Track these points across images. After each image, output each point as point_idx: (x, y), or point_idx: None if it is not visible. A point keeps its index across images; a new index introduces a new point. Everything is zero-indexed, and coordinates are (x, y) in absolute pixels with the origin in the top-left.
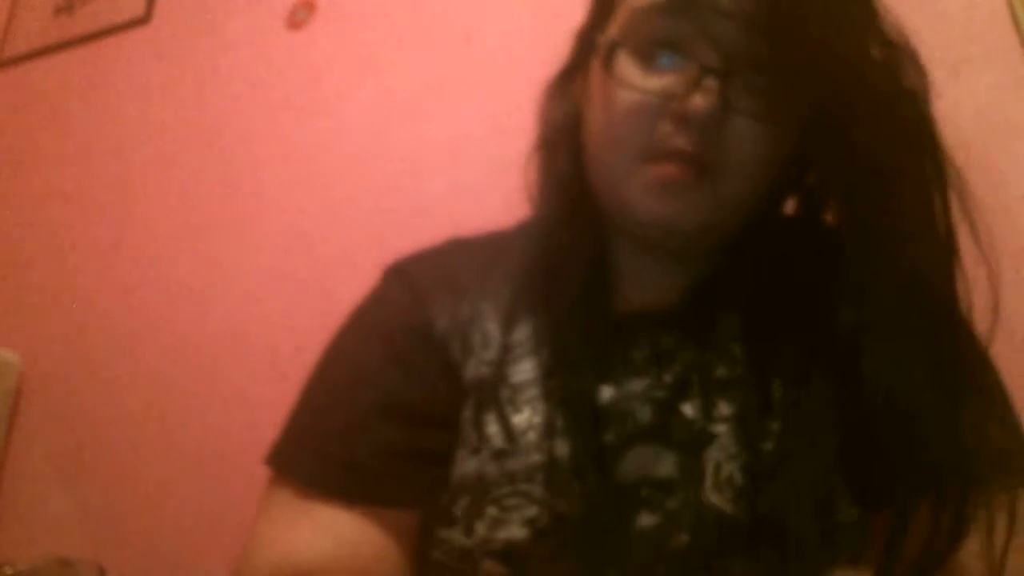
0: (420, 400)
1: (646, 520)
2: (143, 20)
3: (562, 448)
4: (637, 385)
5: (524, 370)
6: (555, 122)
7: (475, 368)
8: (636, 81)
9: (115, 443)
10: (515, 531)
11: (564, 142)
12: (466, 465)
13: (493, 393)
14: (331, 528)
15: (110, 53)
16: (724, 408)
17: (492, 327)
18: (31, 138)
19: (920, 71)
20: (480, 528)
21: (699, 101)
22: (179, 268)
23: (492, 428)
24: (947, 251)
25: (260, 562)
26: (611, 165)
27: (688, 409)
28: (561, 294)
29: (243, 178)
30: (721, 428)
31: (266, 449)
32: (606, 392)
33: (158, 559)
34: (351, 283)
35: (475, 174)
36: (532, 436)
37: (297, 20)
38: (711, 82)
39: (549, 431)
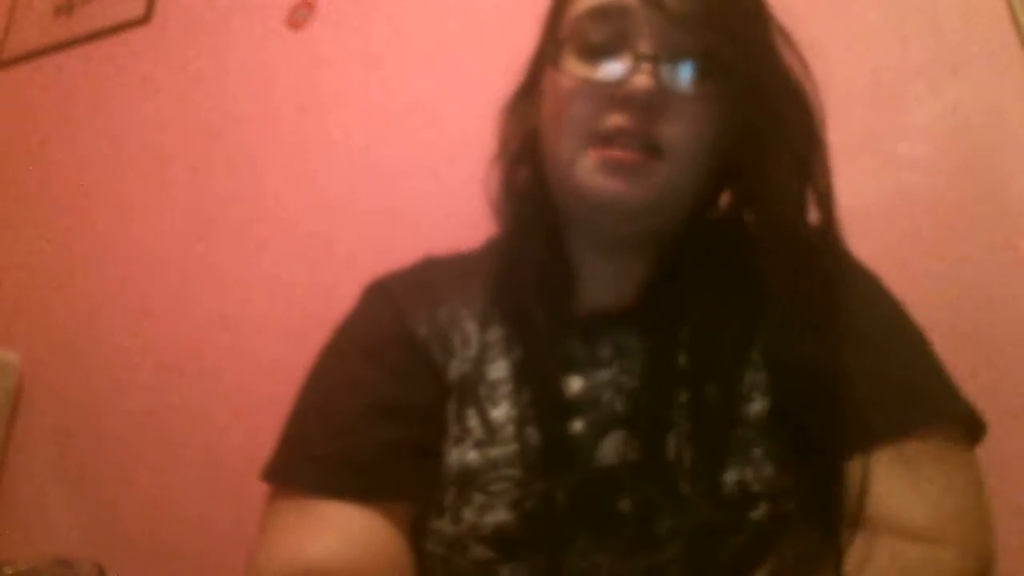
0: (410, 401)
1: (625, 504)
2: (143, 20)
3: (534, 436)
4: (604, 375)
5: (499, 368)
6: (513, 137)
7: (458, 367)
8: (580, 74)
9: (114, 443)
10: (502, 515)
11: (522, 156)
12: (450, 456)
13: (473, 389)
14: (339, 526)
15: (110, 53)
16: (681, 396)
17: (471, 327)
18: (31, 138)
19: (805, 64)
20: (468, 514)
21: (638, 83)
22: (178, 269)
23: (473, 421)
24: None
25: (269, 567)
26: (561, 153)
27: (647, 398)
28: (526, 298)
29: (243, 179)
30: (678, 415)
31: (266, 450)
32: (576, 383)
33: (158, 559)
34: (351, 284)
35: (475, 175)
36: (510, 428)
37: (297, 20)
38: (646, 66)
39: (522, 422)
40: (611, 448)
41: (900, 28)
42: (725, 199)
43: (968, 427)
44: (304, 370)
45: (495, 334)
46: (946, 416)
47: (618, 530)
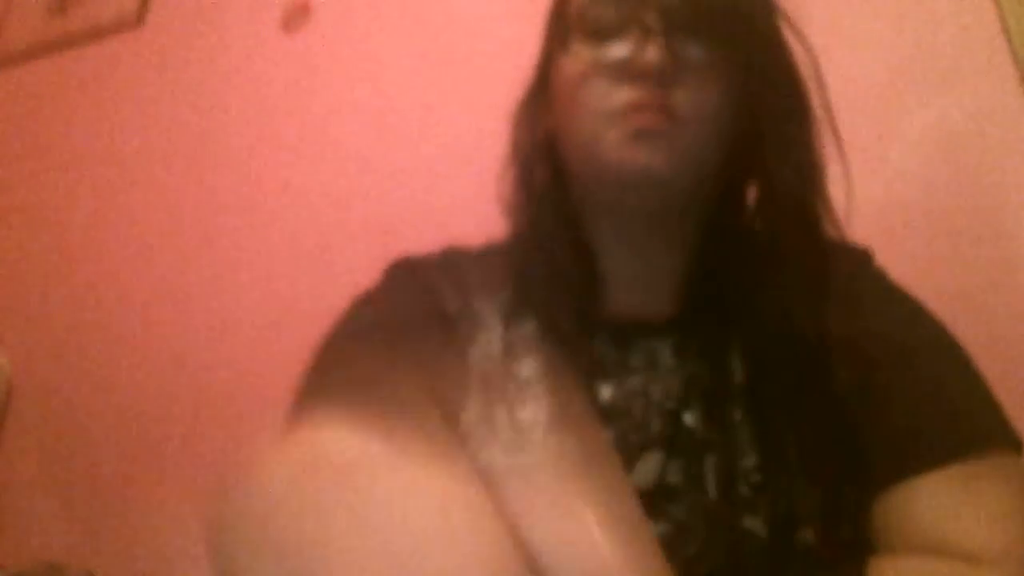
0: (436, 369)
1: (658, 529)
2: (136, 21)
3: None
4: (635, 383)
5: (527, 366)
6: (527, 138)
7: (482, 359)
8: (590, 56)
9: (106, 448)
10: None
11: (539, 156)
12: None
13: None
14: (365, 424)
15: (103, 54)
16: (721, 418)
17: (494, 322)
18: (23, 139)
19: (806, 41)
20: None
21: (650, 55)
22: (170, 272)
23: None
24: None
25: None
26: (582, 136)
27: (688, 418)
28: (553, 299)
29: (237, 182)
30: (718, 438)
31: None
32: (606, 391)
33: (148, 564)
34: (347, 288)
35: (472, 180)
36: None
37: (292, 23)
38: (656, 40)
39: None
40: (647, 469)
41: (891, 38)
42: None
43: (1014, 447)
44: (299, 372)
45: (523, 330)
46: (995, 441)
47: None
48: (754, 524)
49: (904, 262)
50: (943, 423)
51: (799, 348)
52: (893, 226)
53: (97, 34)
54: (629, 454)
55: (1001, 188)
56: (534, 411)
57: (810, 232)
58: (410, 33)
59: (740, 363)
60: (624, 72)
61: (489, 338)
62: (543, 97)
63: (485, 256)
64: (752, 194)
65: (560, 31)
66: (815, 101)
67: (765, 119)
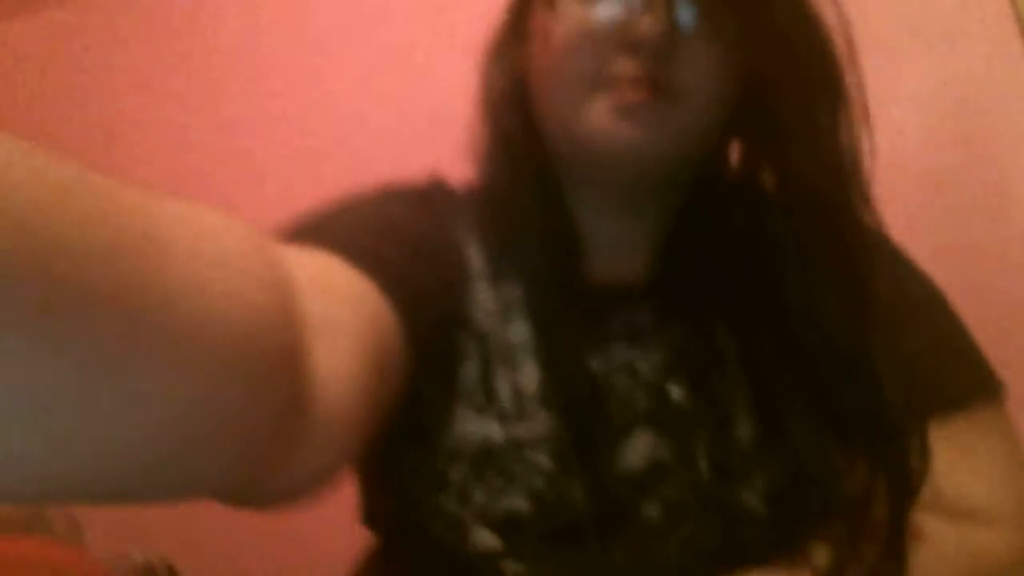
0: (433, 290)
1: (649, 510)
2: None
3: (563, 423)
4: (618, 356)
5: (520, 331)
6: (498, 86)
7: (482, 316)
8: (580, 14)
9: None
10: (518, 501)
11: (510, 104)
12: (470, 425)
13: (502, 352)
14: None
15: (88, 6)
16: (707, 391)
17: (487, 278)
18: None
19: (840, 7)
20: (479, 495)
21: (648, 26)
22: None
23: (503, 389)
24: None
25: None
26: (563, 102)
27: (675, 392)
28: (535, 263)
29: (225, 133)
30: (707, 410)
31: None
32: (593, 363)
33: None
34: None
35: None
36: (535, 403)
37: None
38: (659, 5)
39: (545, 404)
40: (637, 449)
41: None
42: (734, 152)
43: (997, 393)
44: None
45: (511, 291)
46: (991, 389)
47: (642, 537)
48: (751, 499)
49: (902, 217)
50: (930, 379)
51: (807, 323)
52: (892, 180)
53: None
54: (617, 432)
55: (1001, 145)
56: (529, 381)
57: (837, 232)
58: None
59: (727, 329)
60: (617, 40)
61: (485, 294)
62: (517, 38)
63: (467, 206)
64: (736, 150)
65: None
66: (848, 78)
67: (783, 97)
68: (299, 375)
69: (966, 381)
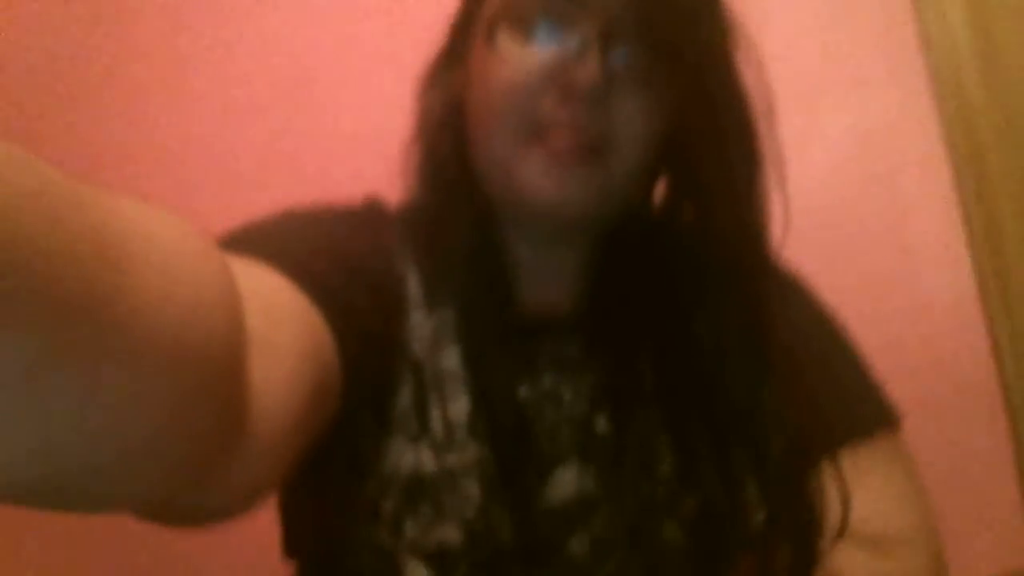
0: (361, 306)
1: (576, 544)
2: None
3: (492, 452)
4: (544, 385)
5: (451, 358)
6: (434, 110)
7: (414, 342)
8: (517, 56)
9: None
10: (449, 532)
11: (445, 130)
12: (403, 454)
13: (436, 380)
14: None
15: None
16: (631, 424)
17: (420, 303)
18: None
19: (760, 69)
20: (410, 527)
21: (583, 73)
22: None
23: (435, 419)
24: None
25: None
26: (497, 145)
27: (600, 424)
28: (466, 290)
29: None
30: (631, 444)
31: None
32: (522, 392)
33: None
34: None
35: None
36: (463, 432)
37: None
38: (593, 53)
39: (475, 432)
40: (566, 480)
41: (811, 40)
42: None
43: (897, 428)
44: None
45: (443, 317)
46: (890, 420)
47: (568, 571)
48: (672, 532)
49: (809, 260)
50: (834, 412)
51: (713, 359)
52: (801, 225)
53: None
54: (545, 462)
55: (908, 193)
56: (460, 409)
57: (748, 265)
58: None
59: (648, 363)
60: (552, 84)
61: (420, 318)
62: (454, 64)
63: (406, 225)
64: (662, 187)
65: (482, 5)
66: (763, 133)
67: (703, 148)
68: (238, 388)
69: (868, 413)
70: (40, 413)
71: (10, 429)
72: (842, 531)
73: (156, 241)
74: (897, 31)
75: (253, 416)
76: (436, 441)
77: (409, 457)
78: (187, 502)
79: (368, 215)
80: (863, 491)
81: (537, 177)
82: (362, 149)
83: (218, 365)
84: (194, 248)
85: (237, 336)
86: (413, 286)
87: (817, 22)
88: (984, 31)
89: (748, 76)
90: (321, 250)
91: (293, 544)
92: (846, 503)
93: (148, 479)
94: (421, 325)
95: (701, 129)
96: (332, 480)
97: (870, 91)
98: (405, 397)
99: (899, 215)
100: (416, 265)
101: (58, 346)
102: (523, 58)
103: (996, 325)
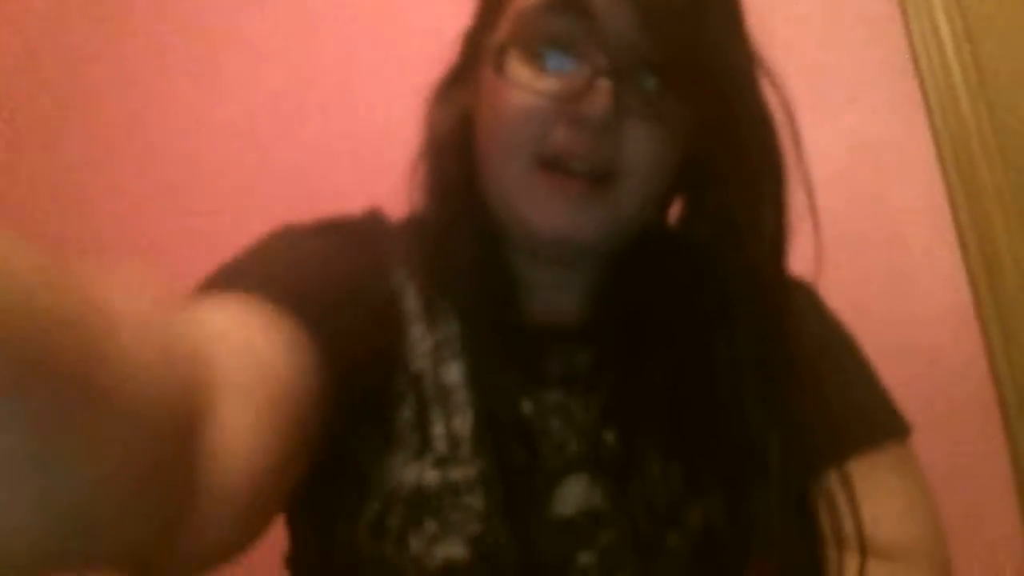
0: (362, 326)
1: (585, 558)
2: None
3: (497, 466)
4: (552, 398)
5: (454, 372)
6: (443, 128)
7: (415, 356)
8: (527, 84)
9: None
10: (455, 549)
11: (452, 148)
12: (407, 470)
13: (439, 394)
14: (247, 314)
15: None
16: (640, 436)
17: (422, 317)
18: None
19: (784, 95)
20: (415, 543)
21: (593, 104)
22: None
23: (438, 433)
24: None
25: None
26: (504, 173)
27: (609, 437)
28: (470, 302)
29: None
30: (640, 457)
31: None
32: (526, 406)
33: None
34: None
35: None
36: (468, 446)
37: None
38: (604, 84)
39: (479, 447)
40: (573, 493)
41: (803, 57)
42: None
43: (904, 434)
44: None
45: (445, 331)
46: (901, 429)
47: None
48: (677, 543)
49: (802, 274)
50: (847, 421)
51: (729, 375)
52: (794, 240)
53: None
54: (551, 476)
55: (900, 207)
56: (464, 423)
57: (769, 281)
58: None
59: (659, 375)
60: (562, 113)
61: (420, 332)
62: (462, 84)
63: (407, 238)
64: (679, 207)
65: (494, 28)
66: (789, 163)
67: (731, 168)
68: (193, 443)
69: (879, 422)
70: (43, 469)
71: (17, 487)
72: (862, 548)
73: (122, 304)
74: (889, 47)
75: (213, 465)
76: (439, 456)
77: (412, 472)
78: (163, 559)
79: (367, 228)
80: (872, 500)
81: (544, 207)
82: (357, 162)
83: (173, 418)
84: (151, 312)
85: (190, 394)
86: (411, 300)
87: (809, 39)
88: (975, 46)
89: (770, 95)
90: (316, 270)
91: (297, 559)
92: (856, 514)
93: (131, 533)
94: (421, 339)
95: (725, 153)
96: (336, 497)
97: (862, 107)
98: (407, 412)
99: (892, 230)
100: (415, 279)
101: (61, 405)
102: (533, 85)
103: (991, 338)
